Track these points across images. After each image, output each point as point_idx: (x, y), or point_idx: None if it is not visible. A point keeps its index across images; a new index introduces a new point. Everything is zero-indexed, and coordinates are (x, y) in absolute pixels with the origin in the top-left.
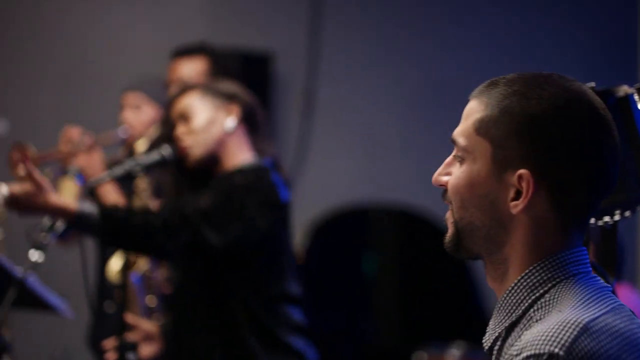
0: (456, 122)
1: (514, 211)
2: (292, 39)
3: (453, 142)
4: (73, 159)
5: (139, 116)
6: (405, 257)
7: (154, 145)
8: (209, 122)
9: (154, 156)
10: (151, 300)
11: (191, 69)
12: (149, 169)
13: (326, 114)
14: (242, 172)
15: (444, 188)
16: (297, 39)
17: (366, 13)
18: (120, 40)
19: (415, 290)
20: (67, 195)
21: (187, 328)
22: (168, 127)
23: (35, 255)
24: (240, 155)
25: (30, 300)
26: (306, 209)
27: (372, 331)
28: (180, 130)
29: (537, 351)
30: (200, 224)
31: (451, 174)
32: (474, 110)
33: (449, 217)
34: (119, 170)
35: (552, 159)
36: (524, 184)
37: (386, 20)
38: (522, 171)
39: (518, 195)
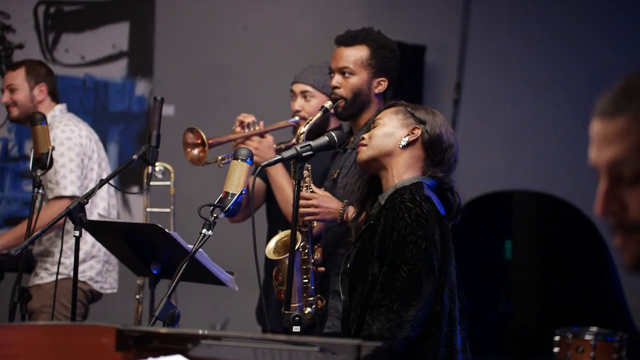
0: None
1: None
2: (444, 31)
3: (609, 168)
4: (245, 143)
5: (308, 104)
6: (545, 242)
7: (316, 131)
8: (389, 134)
9: (323, 139)
10: (306, 278)
11: (354, 56)
12: (317, 151)
13: (475, 103)
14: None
15: (616, 215)
16: (448, 31)
17: (516, 3)
18: (286, 31)
19: (553, 275)
20: (235, 176)
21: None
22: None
23: (206, 231)
24: (405, 173)
25: (199, 274)
26: None
27: (511, 313)
28: (366, 134)
29: None
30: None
31: (623, 199)
32: (624, 128)
33: (631, 245)
34: (288, 153)
35: None
36: None
37: (530, 17)
38: None
39: None
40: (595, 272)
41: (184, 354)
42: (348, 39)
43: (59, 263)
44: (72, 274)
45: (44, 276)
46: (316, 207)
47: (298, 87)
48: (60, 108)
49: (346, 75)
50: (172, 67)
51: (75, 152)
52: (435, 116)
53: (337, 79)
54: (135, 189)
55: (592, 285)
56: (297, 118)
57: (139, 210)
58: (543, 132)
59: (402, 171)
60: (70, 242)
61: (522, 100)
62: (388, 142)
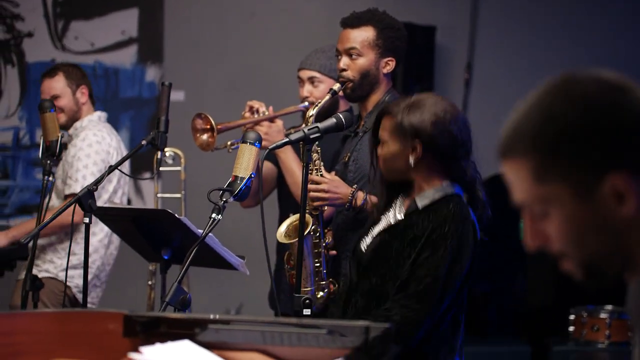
0: None
1: (627, 213)
2: (454, 11)
3: (522, 207)
4: (255, 129)
5: (317, 90)
6: None
7: (325, 115)
8: (395, 156)
9: (330, 121)
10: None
11: (361, 37)
12: (325, 133)
13: (486, 83)
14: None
15: (544, 247)
16: (459, 12)
17: None
18: (294, 15)
19: None
20: (244, 159)
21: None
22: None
23: (215, 215)
24: (432, 178)
25: (210, 258)
26: None
27: (526, 292)
28: (379, 149)
29: None
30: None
31: (544, 232)
32: (519, 168)
33: (569, 264)
34: (295, 135)
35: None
36: (620, 187)
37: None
38: (611, 178)
39: (620, 200)
40: None
41: (192, 338)
42: (353, 20)
43: (68, 260)
44: (59, 274)
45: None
46: (325, 192)
47: (305, 74)
48: (100, 115)
49: (353, 56)
50: (181, 52)
51: (101, 158)
52: (427, 113)
53: (344, 61)
54: (146, 175)
55: None
56: (306, 103)
57: (151, 196)
58: None
59: (429, 177)
60: (65, 243)
61: (533, 80)
62: (398, 164)
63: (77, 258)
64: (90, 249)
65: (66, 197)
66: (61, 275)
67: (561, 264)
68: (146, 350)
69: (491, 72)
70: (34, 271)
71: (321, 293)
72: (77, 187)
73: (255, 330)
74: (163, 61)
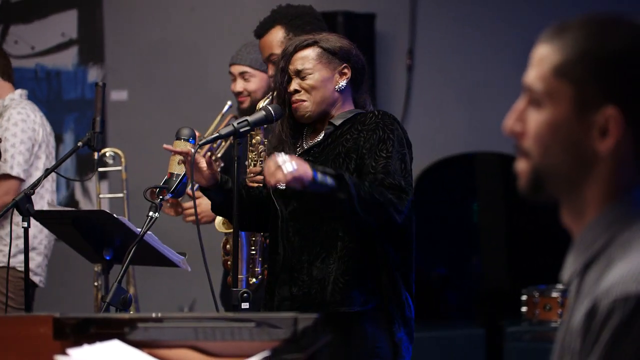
0: None
1: (602, 149)
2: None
3: (527, 88)
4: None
5: (249, 84)
6: (512, 203)
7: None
8: (324, 80)
9: (260, 114)
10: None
11: (273, 41)
12: (254, 126)
13: (429, 68)
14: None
15: (517, 136)
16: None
17: None
18: (233, 8)
19: (521, 235)
20: (178, 156)
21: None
22: (284, 78)
23: (152, 213)
24: (345, 109)
25: (151, 257)
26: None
27: (480, 274)
28: (296, 85)
29: (626, 291)
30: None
31: (525, 120)
32: (548, 54)
33: (523, 164)
34: (226, 129)
35: (638, 96)
36: (611, 122)
37: None
38: (610, 110)
39: (603, 134)
40: (562, 229)
41: (122, 338)
42: (260, 29)
43: (10, 251)
44: (9, 262)
45: None
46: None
47: (236, 69)
48: (20, 92)
49: (274, 62)
50: (123, 52)
51: (27, 136)
52: (344, 41)
53: (270, 68)
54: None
55: (561, 243)
56: (229, 103)
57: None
58: (501, 93)
59: (342, 109)
60: (7, 229)
61: (477, 63)
62: (328, 89)
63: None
64: (36, 229)
65: None
66: (12, 262)
67: (517, 163)
68: (73, 352)
69: (433, 57)
70: None
71: (254, 280)
72: (6, 168)
73: (185, 327)
74: (104, 61)
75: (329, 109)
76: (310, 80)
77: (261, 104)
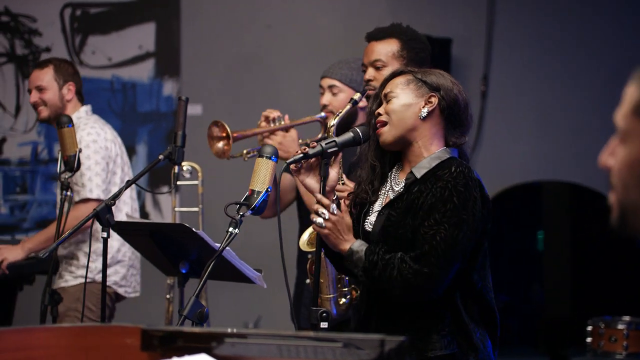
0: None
1: None
2: (469, 23)
3: (618, 127)
4: (269, 138)
5: (336, 99)
6: (577, 232)
7: (344, 125)
8: (407, 105)
9: (348, 135)
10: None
11: (385, 49)
12: (342, 147)
13: (502, 95)
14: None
15: (609, 170)
16: (474, 23)
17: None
18: (309, 27)
19: (586, 265)
20: (260, 174)
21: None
22: (375, 102)
23: (232, 229)
24: (432, 144)
25: (227, 272)
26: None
27: (543, 303)
28: (381, 109)
29: None
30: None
31: (616, 155)
32: (631, 93)
33: (612, 198)
34: (313, 150)
35: None
36: None
37: (556, 6)
38: None
39: None
40: (628, 260)
41: (209, 352)
42: (378, 34)
43: (87, 266)
44: (97, 277)
45: (69, 279)
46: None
47: (326, 82)
48: (85, 109)
49: (379, 68)
50: (198, 66)
51: (101, 156)
52: (445, 78)
53: (370, 72)
54: (164, 189)
55: (625, 275)
56: (322, 114)
57: (169, 210)
58: (572, 121)
59: (429, 142)
60: (95, 245)
61: (551, 91)
62: (408, 115)
63: (109, 256)
64: (119, 242)
65: (76, 203)
66: (98, 278)
67: (609, 197)
68: None
69: (507, 83)
70: (69, 279)
71: (343, 300)
72: (85, 192)
73: (271, 344)
74: (180, 75)
75: (408, 136)
76: (393, 104)
77: (331, 122)
